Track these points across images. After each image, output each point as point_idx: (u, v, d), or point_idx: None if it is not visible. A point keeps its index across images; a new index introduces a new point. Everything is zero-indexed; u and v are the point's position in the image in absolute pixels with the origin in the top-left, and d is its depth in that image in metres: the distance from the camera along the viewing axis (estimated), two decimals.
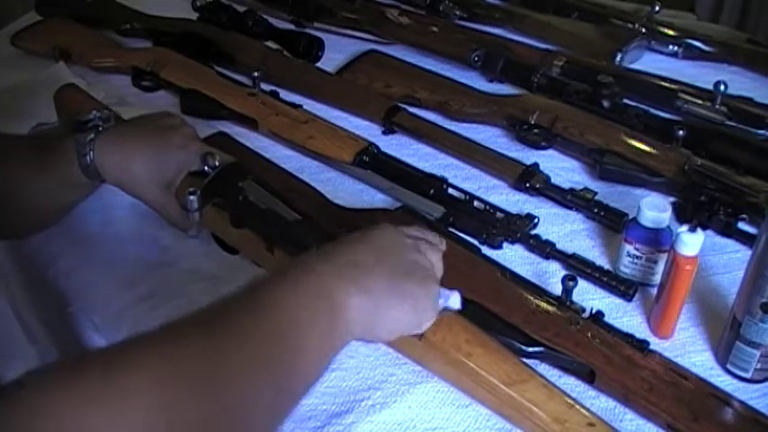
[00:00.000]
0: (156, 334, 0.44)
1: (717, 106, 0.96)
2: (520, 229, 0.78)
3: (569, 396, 0.56)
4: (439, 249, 0.60)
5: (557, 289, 0.67)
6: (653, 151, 0.86)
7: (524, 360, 0.59)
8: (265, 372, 0.46)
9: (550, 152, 0.93)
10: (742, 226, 0.79)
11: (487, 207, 0.80)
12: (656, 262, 0.71)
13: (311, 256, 0.54)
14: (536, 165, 0.87)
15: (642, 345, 0.62)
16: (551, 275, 0.74)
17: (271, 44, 1.14)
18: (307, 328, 0.49)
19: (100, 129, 0.74)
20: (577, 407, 0.55)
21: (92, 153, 0.72)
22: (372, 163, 0.86)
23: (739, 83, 1.04)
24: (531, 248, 0.77)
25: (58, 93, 0.90)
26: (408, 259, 0.56)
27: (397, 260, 0.56)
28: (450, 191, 0.82)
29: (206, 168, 0.71)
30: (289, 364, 0.47)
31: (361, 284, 0.52)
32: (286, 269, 0.52)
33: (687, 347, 0.67)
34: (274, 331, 0.47)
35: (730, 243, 0.79)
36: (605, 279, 0.72)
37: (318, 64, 1.11)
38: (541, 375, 0.57)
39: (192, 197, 0.69)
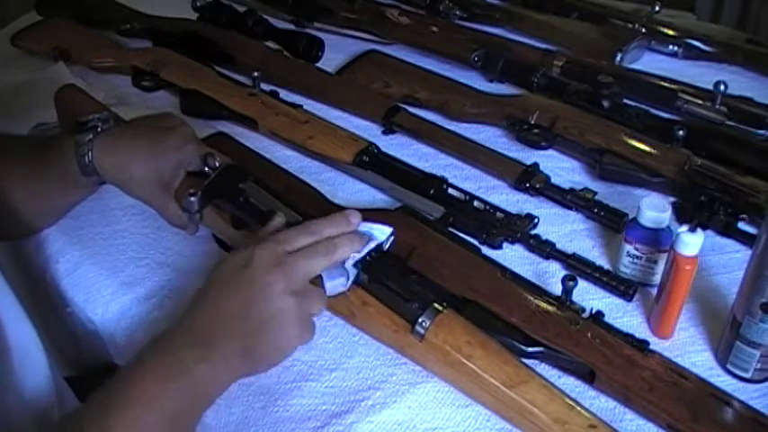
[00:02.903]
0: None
1: (717, 106, 0.95)
2: (520, 229, 0.78)
3: (570, 397, 0.56)
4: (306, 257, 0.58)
5: (557, 289, 0.66)
6: (653, 151, 0.86)
7: (524, 360, 0.59)
8: None
9: (550, 152, 0.93)
10: (742, 226, 0.79)
11: (487, 207, 0.80)
12: (656, 262, 0.71)
13: (172, 336, 0.55)
14: (536, 165, 0.87)
15: (642, 345, 0.62)
16: (551, 275, 0.74)
17: (271, 44, 1.14)
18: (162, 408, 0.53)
19: (99, 129, 0.74)
20: (578, 408, 0.55)
21: (90, 153, 0.72)
22: (372, 163, 0.86)
23: (739, 83, 1.04)
24: (531, 248, 0.77)
25: (59, 93, 0.90)
26: (257, 315, 0.55)
27: (246, 322, 0.55)
28: (450, 191, 0.82)
29: (206, 169, 0.71)
30: None
31: (215, 358, 0.54)
32: (144, 354, 0.55)
33: (687, 347, 0.67)
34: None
35: (730, 243, 0.79)
36: (605, 279, 0.72)
37: (318, 64, 1.11)
38: (542, 377, 0.57)
39: (192, 198, 0.69)
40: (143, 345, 0.55)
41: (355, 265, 0.62)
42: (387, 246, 0.64)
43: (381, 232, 0.63)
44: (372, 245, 0.62)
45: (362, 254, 0.61)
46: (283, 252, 0.57)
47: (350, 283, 0.62)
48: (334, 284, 0.61)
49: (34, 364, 0.62)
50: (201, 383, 0.54)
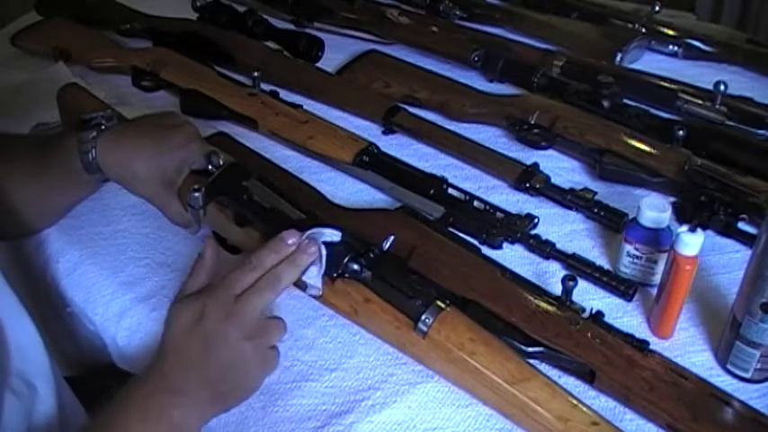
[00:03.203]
0: None
1: (717, 106, 0.95)
2: (520, 229, 0.78)
3: (572, 395, 0.56)
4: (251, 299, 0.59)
5: (557, 289, 0.67)
6: (653, 151, 0.86)
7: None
8: None
9: (550, 152, 0.93)
10: (742, 226, 0.79)
11: (487, 207, 0.80)
12: (656, 262, 0.71)
13: (151, 380, 0.57)
14: (536, 165, 0.87)
15: (642, 345, 0.62)
16: (551, 275, 0.74)
17: (271, 44, 1.14)
18: None
19: (103, 127, 0.74)
20: (581, 406, 0.55)
21: (94, 151, 0.72)
22: (372, 163, 0.86)
23: (739, 83, 1.04)
24: (531, 248, 0.77)
25: (61, 91, 0.90)
26: (218, 365, 0.57)
27: (209, 372, 0.57)
28: (450, 191, 0.82)
29: (210, 167, 0.71)
30: None
31: (187, 403, 0.57)
32: (128, 394, 0.57)
33: (687, 347, 0.67)
34: None
35: (730, 243, 0.79)
36: (605, 279, 0.72)
37: (318, 64, 1.11)
38: (544, 375, 0.57)
39: (196, 194, 0.69)
40: (127, 386, 0.57)
41: (318, 275, 0.62)
42: (387, 246, 0.64)
43: (332, 234, 0.63)
44: (329, 239, 0.63)
45: (323, 264, 0.62)
46: (231, 298, 0.58)
47: (321, 276, 0.63)
48: (309, 288, 0.63)
49: (34, 366, 0.62)
50: (179, 427, 0.57)
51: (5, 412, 0.57)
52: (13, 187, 0.73)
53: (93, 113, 0.78)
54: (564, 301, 0.65)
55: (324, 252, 0.62)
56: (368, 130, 0.96)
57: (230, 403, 0.60)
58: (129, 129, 0.76)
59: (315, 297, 0.65)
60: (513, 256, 0.76)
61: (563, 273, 0.73)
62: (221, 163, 0.72)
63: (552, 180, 0.86)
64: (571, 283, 0.65)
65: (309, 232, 0.62)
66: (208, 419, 0.59)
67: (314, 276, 0.62)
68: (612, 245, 0.77)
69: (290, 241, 0.61)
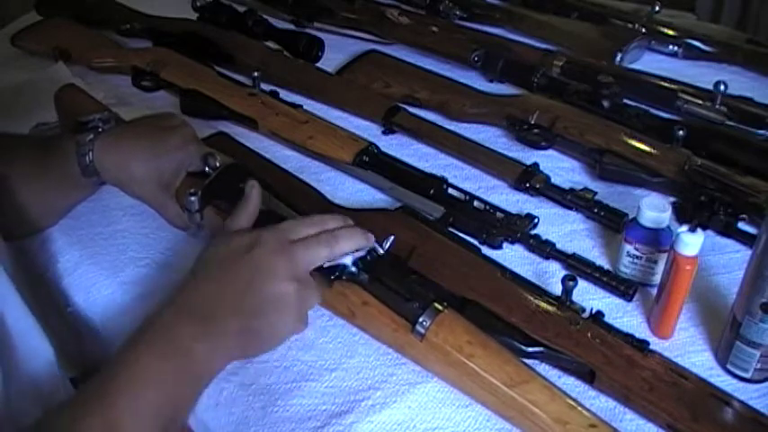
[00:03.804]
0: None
1: (717, 106, 0.95)
2: (520, 229, 0.78)
3: (571, 397, 0.56)
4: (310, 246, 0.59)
5: (557, 289, 0.66)
6: (653, 151, 0.86)
7: (524, 361, 0.59)
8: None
9: (550, 152, 0.93)
10: (742, 226, 0.79)
11: (487, 207, 0.80)
12: (656, 262, 0.71)
13: (168, 314, 0.56)
14: (536, 165, 0.87)
15: (642, 345, 0.62)
16: (551, 275, 0.74)
17: (271, 44, 1.14)
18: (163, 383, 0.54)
19: (100, 129, 0.74)
20: (579, 408, 0.55)
21: (91, 153, 0.72)
22: (372, 163, 0.86)
23: (739, 83, 1.04)
24: (531, 248, 0.77)
25: (59, 92, 0.90)
26: (258, 295, 0.56)
27: (246, 302, 0.56)
28: (451, 191, 0.82)
29: (207, 169, 0.71)
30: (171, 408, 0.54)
31: (213, 335, 0.55)
32: (138, 335, 0.55)
33: (687, 347, 0.67)
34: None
35: (730, 243, 0.79)
36: (605, 279, 0.72)
37: (318, 64, 1.11)
38: (543, 377, 0.57)
39: (192, 198, 0.69)
40: (134, 329, 0.55)
41: (354, 263, 0.62)
42: (387, 246, 0.64)
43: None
44: (372, 244, 0.63)
45: (362, 252, 0.62)
46: (287, 240, 0.58)
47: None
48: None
49: (37, 354, 0.62)
50: (198, 362, 0.55)
51: (13, 401, 0.58)
52: (15, 187, 0.73)
53: (90, 116, 0.77)
54: (564, 301, 0.65)
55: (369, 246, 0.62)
56: (368, 130, 0.96)
57: (254, 346, 0.58)
58: (126, 131, 0.76)
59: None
60: (513, 256, 0.76)
61: (563, 273, 0.73)
62: (218, 165, 0.71)
63: (552, 180, 0.86)
64: (571, 283, 0.65)
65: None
66: (228, 359, 0.57)
67: (348, 264, 0.62)
68: (612, 245, 0.77)
69: (350, 221, 0.62)
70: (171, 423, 0.54)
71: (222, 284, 0.56)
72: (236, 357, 0.58)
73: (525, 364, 0.58)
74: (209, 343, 0.55)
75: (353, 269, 0.63)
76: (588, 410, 0.55)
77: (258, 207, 0.62)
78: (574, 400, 0.56)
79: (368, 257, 0.62)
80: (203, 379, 0.56)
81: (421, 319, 0.59)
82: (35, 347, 0.62)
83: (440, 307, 0.60)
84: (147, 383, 0.52)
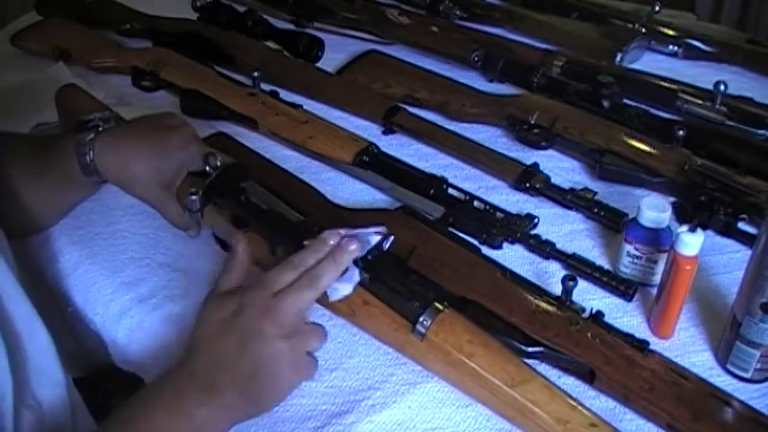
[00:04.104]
0: None
1: (717, 106, 0.95)
2: (520, 229, 0.78)
3: (571, 397, 0.56)
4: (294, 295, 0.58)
5: (557, 289, 0.66)
6: (653, 151, 0.86)
7: (524, 360, 0.59)
8: None
9: (550, 152, 0.93)
10: (742, 226, 0.79)
11: (487, 207, 0.80)
12: (656, 262, 0.71)
13: (178, 377, 0.57)
14: (536, 165, 0.87)
15: (642, 345, 0.62)
16: (551, 275, 0.74)
17: (271, 44, 1.14)
18: None
19: (100, 129, 0.74)
20: (580, 408, 0.55)
21: (91, 153, 0.72)
22: (372, 163, 0.86)
23: (739, 83, 1.04)
24: (531, 248, 0.77)
25: (60, 92, 0.90)
26: (251, 362, 0.56)
27: (241, 370, 0.56)
28: (451, 191, 0.82)
29: (207, 169, 0.71)
30: None
31: (214, 404, 0.55)
32: (153, 390, 0.57)
33: (687, 347, 0.67)
34: None
35: (730, 243, 0.79)
36: (605, 279, 0.72)
37: (318, 64, 1.11)
38: (543, 376, 0.57)
39: (193, 197, 0.69)
40: (150, 382, 0.57)
41: (356, 263, 0.61)
42: (387, 246, 0.64)
43: (375, 233, 0.63)
44: (372, 239, 0.62)
45: (364, 252, 0.61)
46: (270, 296, 0.57)
47: (354, 283, 0.62)
48: (337, 291, 0.61)
49: (49, 378, 0.62)
50: (204, 426, 0.55)
51: (23, 427, 0.58)
52: (15, 186, 0.73)
53: (91, 115, 0.78)
54: (564, 301, 0.65)
55: (370, 241, 0.61)
56: (368, 130, 0.96)
57: (261, 407, 0.58)
58: (127, 130, 0.76)
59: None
60: (513, 256, 0.76)
61: (563, 273, 0.73)
62: (219, 164, 0.71)
63: (552, 180, 0.86)
64: (571, 283, 0.65)
65: (351, 231, 0.61)
66: (236, 422, 0.58)
67: (351, 278, 0.61)
68: (612, 245, 0.77)
69: (330, 242, 0.60)
70: None
71: (215, 355, 0.56)
72: (242, 419, 0.58)
73: (526, 363, 0.58)
74: (212, 412, 0.55)
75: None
76: (589, 410, 0.55)
77: (246, 263, 0.61)
78: (574, 399, 0.56)
79: (369, 257, 0.62)
80: None
81: (421, 319, 0.59)
82: (47, 366, 0.62)
83: (440, 306, 0.60)
84: None
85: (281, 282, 0.58)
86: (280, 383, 0.58)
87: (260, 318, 0.56)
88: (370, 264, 0.62)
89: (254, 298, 0.56)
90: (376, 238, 0.62)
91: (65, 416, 0.63)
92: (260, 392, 0.57)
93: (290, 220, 0.68)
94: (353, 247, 0.60)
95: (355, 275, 0.61)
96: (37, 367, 0.60)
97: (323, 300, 0.65)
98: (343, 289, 0.61)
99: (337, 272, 0.59)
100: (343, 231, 0.61)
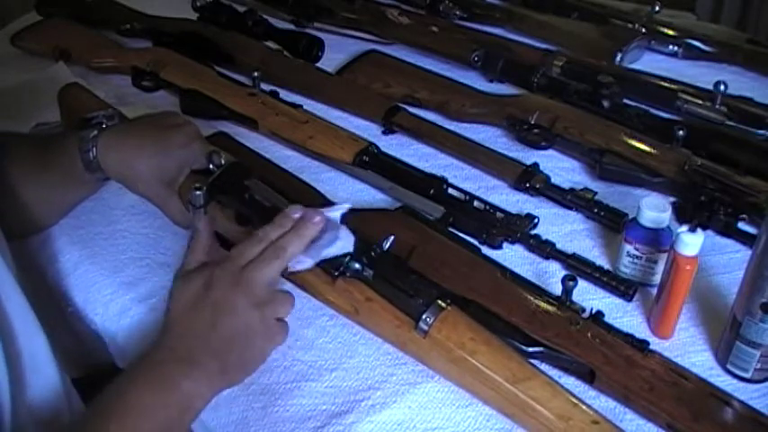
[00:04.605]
0: None
1: (717, 106, 0.96)
2: (520, 229, 0.78)
3: (573, 394, 0.56)
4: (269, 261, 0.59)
5: (557, 289, 0.66)
6: (653, 151, 0.86)
7: None
8: None
9: (550, 152, 0.93)
10: (742, 226, 0.79)
11: (487, 207, 0.80)
12: (656, 262, 0.71)
13: (160, 351, 0.58)
14: (536, 165, 0.87)
15: (642, 345, 0.62)
16: (551, 275, 0.74)
17: (271, 44, 1.14)
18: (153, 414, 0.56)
19: (104, 126, 0.74)
20: (581, 405, 0.55)
21: (95, 149, 0.73)
22: (372, 163, 0.86)
23: (739, 83, 1.04)
24: (531, 248, 0.77)
25: (62, 91, 0.90)
26: (226, 333, 0.57)
27: (217, 341, 0.57)
28: (451, 191, 0.82)
29: (211, 166, 0.72)
30: None
31: (195, 374, 0.56)
32: (137, 366, 0.58)
33: (687, 347, 0.67)
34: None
35: (730, 243, 0.79)
36: (605, 279, 0.72)
37: (318, 64, 1.11)
38: (545, 374, 0.57)
39: (197, 192, 0.69)
40: (133, 357, 0.58)
41: (342, 221, 0.62)
42: (387, 246, 0.64)
43: (340, 208, 0.64)
44: (335, 215, 0.63)
45: (340, 211, 0.63)
46: (238, 268, 0.59)
47: (314, 261, 0.63)
48: (297, 263, 0.63)
49: (45, 378, 0.62)
50: (188, 397, 0.56)
51: (19, 427, 0.58)
52: (16, 185, 0.73)
53: (94, 112, 0.78)
54: (564, 301, 0.65)
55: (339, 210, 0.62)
56: (368, 130, 0.96)
57: (239, 375, 0.60)
58: (131, 128, 0.76)
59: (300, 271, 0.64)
60: (513, 256, 0.76)
61: (563, 273, 0.73)
62: (222, 162, 0.72)
63: (552, 180, 0.86)
64: (571, 283, 0.65)
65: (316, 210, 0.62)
66: (218, 391, 0.59)
67: (318, 251, 0.62)
68: (612, 245, 0.77)
69: (295, 215, 0.61)
70: None
71: (191, 329, 0.58)
72: (224, 387, 0.59)
73: (528, 361, 0.58)
74: (195, 382, 0.56)
75: (357, 266, 0.63)
76: (590, 407, 0.55)
77: (209, 240, 0.63)
78: (576, 397, 0.56)
79: (372, 254, 0.63)
80: (193, 411, 0.58)
81: (424, 316, 0.59)
82: (43, 367, 0.62)
83: (443, 304, 0.60)
84: (141, 413, 0.55)
85: (248, 255, 0.59)
86: (255, 351, 0.60)
87: (230, 290, 0.57)
88: (374, 261, 0.62)
89: (224, 272, 0.58)
90: (338, 214, 0.63)
91: (60, 416, 0.63)
92: (237, 361, 0.59)
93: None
94: (317, 219, 0.61)
95: (322, 253, 0.62)
96: (33, 367, 0.61)
97: (323, 298, 0.65)
98: (306, 263, 0.63)
99: (302, 243, 0.61)
100: (306, 209, 0.62)
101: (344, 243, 0.63)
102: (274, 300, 0.60)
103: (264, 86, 0.97)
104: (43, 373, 0.62)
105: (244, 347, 0.58)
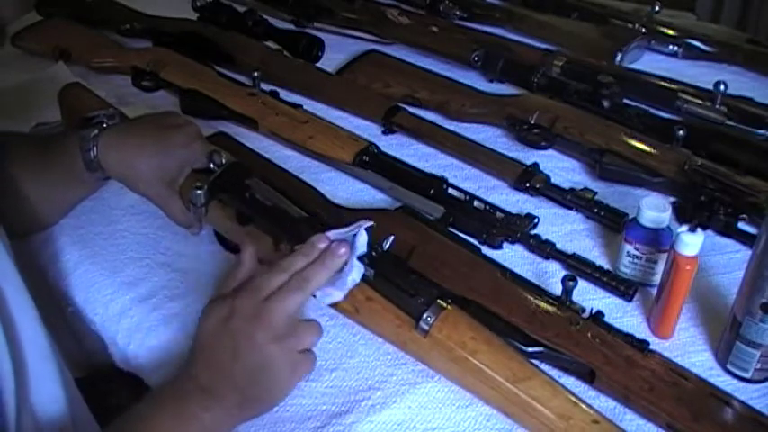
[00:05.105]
0: None
1: (717, 106, 0.96)
2: (520, 229, 0.78)
3: (573, 393, 0.56)
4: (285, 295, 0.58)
5: (557, 289, 0.66)
6: (653, 151, 0.86)
7: None
8: None
9: (550, 152, 0.93)
10: (742, 226, 0.79)
11: (487, 207, 0.80)
12: (656, 262, 0.71)
13: (183, 382, 0.58)
14: (536, 165, 0.87)
15: (642, 345, 0.62)
16: (551, 275, 0.74)
17: (271, 44, 1.14)
18: None
19: (105, 125, 0.74)
20: (581, 404, 0.55)
21: (95, 149, 0.73)
22: (372, 163, 0.86)
23: (739, 83, 1.04)
24: (531, 248, 0.77)
25: (63, 91, 0.90)
26: (246, 367, 0.56)
27: (237, 375, 0.56)
28: (451, 191, 0.82)
29: (212, 166, 0.72)
30: None
31: (216, 408, 0.56)
32: (160, 395, 0.58)
33: (687, 347, 0.67)
34: None
35: (730, 243, 0.79)
36: (605, 279, 0.72)
37: (318, 64, 1.11)
38: (546, 373, 0.57)
39: (198, 191, 0.69)
40: (157, 386, 0.58)
41: (360, 259, 0.61)
42: (387, 246, 0.64)
43: (362, 229, 0.62)
44: (360, 237, 0.61)
45: (363, 249, 0.61)
46: (260, 300, 0.57)
47: (346, 291, 0.62)
48: (330, 297, 0.62)
49: (49, 382, 0.62)
50: (208, 428, 0.56)
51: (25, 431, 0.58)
52: (17, 185, 0.73)
53: (95, 112, 0.78)
54: (564, 301, 0.65)
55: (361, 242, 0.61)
56: (368, 130, 0.96)
57: (260, 409, 0.59)
58: (132, 127, 0.76)
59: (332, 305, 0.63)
60: (513, 256, 0.76)
61: (563, 273, 0.73)
62: (223, 161, 0.72)
63: (552, 180, 0.86)
64: (571, 283, 0.65)
65: (340, 234, 0.61)
66: (238, 423, 0.58)
67: (356, 264, 0.61)
68: (612, 245, 0.77)
69: (320, 245, 0.60)
70: None
71: (213, 360, 0.57)
72: (245, 420, 0.59)
73: (528, 360, 0.58)
74: (215, 413, 0.56)
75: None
76: (590, 407, 0.55)
77: (251, 271, 0.61)
78: (576, 396, 0.56)
79: (373, 253, 0.63)
80: None
81: (425, 315, 0.59)
82: (47, 373, 0.62)
83: (444, 303, 0.60)
84: None
85: (271, 286, 0.58)
86: (279, 384, 0.58)
87: (249, 322, 0.56)
88: (375, 260, 0.62)
89: (244, 304, 0.57)
90: (364, 236, 0.61)
91: (63, 419, 0.63)
92: (260, 394, 0.58)
93: (293, 216, 0.68)
94: (343, 250, 0.60)
95: (348, 282, 0.61)
96: (36, 371, 0.60)
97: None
98: (336, 295, 0.61)
99: (326, 275, 0.60)
100: (331, 235, 0.61)
101: (358, 269, 0.61)
102: (296, 331, 0.58)
103: (264, 86, 0.97)
104: (47, 376, 0.62)
105: (266, 380, 0.57)
